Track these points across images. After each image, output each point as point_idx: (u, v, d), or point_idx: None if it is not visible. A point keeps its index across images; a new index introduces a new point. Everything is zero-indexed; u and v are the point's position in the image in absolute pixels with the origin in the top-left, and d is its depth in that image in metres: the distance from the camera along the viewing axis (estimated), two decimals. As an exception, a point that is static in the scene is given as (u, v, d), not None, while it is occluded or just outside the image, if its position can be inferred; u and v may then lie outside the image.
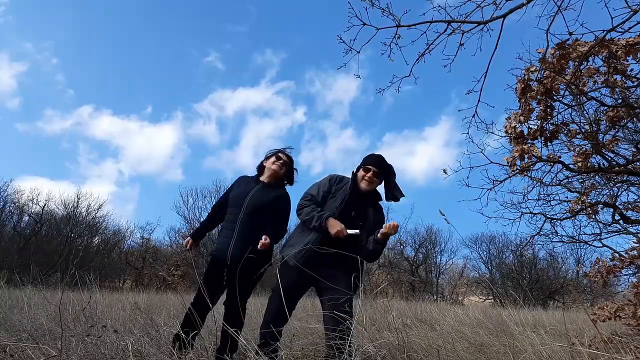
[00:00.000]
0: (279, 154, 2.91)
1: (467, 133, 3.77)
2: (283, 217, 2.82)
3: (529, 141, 3.52)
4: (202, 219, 3.24)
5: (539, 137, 3.48)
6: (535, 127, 3.50)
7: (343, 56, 3.21)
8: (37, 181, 34.90)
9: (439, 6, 2.97)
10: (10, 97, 29.22)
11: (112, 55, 33.92)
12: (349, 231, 2.35)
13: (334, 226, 2.33)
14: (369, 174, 2.51)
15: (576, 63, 3.15)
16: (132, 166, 32.32)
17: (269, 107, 34.06)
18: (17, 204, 17.85)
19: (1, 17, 28.37)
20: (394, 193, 2.56)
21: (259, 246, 2.54)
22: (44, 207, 18.25)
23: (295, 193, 2.91)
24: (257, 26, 35.57)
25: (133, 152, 32.92)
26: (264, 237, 2.58)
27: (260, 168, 2.95)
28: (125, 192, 31.38)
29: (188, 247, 2.96)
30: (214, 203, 3.17)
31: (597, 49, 2.99)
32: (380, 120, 34.99)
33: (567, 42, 3.09)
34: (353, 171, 2.62)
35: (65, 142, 30.58)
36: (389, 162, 2.59)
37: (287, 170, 2.91)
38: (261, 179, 2.87)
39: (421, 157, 32.60)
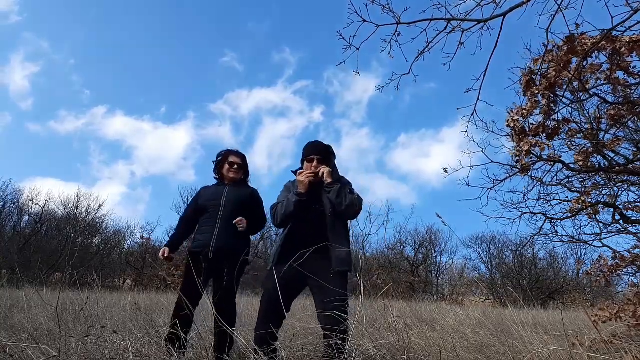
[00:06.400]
0: (230, 161, 3.03)
1: (466, 132, 3.77)
2: (258, 206, 3.01)
3: (531, 136, 3.50)
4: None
5: (540, 132, 3.46)
6: (537, 123, 3.49)
7: (342, 53, 3.20)
8: (48, 182, 34.10)
9: (439, 4, 2.96)
10: (24, 98, 29.15)
11: (129, 55, 33.54)
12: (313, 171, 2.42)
13: (300, 184, 2.39)
14: (313, 164, 2.49)
15: (580, 58, 3.14)
16: (145, 167, 31.97)
17: (285, 107, 33.40)
18: (16, 204, 17.88)
19: (18, 15, 28.16)
20: None
21: (238, 226, 2.73)
22: (43, 207, 18.28)
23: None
24: (277, 25, 34.95)
25: (145, 153, 32.50)
26: (239, 218, 2.75)
27: (221, 175, 3.07)
28: (137, 194, 30.97)
29: (165, 256, 2.82)
30: (182, 215, 3.06)
31: (602, 44, 2.96)
32: (397, 120, 34.27)
33: (575, 34, 3.05)
34: (293, 172, 2.60)
35: (77, 143, 30.34)
36: (326, 144, 2.58)
37: (243, 171, 3.08)
38: (226, 183, 3.02)
39: (437, 159, 31.46)
